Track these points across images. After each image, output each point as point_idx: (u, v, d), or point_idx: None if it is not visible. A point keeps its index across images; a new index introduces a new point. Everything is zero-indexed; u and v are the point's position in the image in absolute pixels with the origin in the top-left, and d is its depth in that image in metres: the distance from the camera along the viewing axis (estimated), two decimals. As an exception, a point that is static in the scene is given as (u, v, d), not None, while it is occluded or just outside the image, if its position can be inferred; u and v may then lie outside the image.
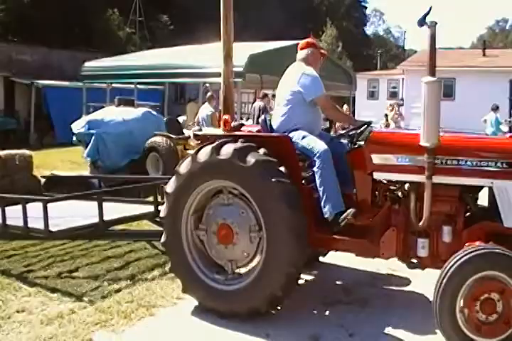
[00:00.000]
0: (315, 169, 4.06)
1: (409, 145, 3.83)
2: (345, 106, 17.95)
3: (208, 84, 13.40)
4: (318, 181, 4.03)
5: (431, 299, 4.52)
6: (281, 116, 4.42)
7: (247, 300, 3.94)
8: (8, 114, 19.71)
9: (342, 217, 3.90)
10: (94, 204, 5.04)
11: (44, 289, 4.62)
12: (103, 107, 12.38)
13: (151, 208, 5.55)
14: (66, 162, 12.90)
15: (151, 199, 6.10)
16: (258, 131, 4.53)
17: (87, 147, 10.09)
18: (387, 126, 19.69)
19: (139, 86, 15.31)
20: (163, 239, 4.28)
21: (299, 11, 49.12)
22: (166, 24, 38.01)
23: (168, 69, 12.22)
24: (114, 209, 5.31)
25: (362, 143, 4.09)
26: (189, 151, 9.98)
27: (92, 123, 10.22)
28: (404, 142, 3.96)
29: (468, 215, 3.93)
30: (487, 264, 3.31)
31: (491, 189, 3.77)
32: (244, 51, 10.46)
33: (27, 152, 7.17)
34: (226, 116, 4.38)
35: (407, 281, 4.96)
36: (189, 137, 10.12)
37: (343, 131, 4.53)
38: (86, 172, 10.44)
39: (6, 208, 5.06)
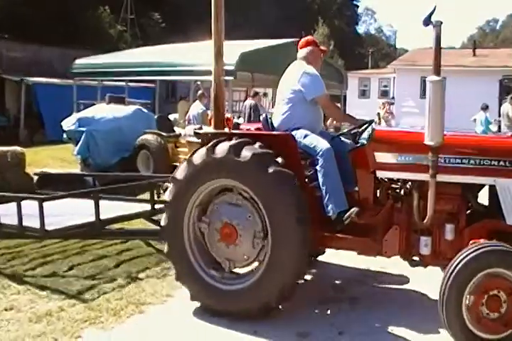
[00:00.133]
0: (318, 168, 4.06)
1: (413, 144, 3.86)
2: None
3: (199, 82, 13.40)
4: (321, 180, 4.03)
5: (421, 297, 4.60)
6: (282, 114, 4.42)
7: (242, 302, 3.94)
8: (-3, 111, 19.60)
9: (346, 216, 3.90)
10: (88, 202, 4.98)
11: (33, 287, 4.61)
12: (94, 105, 12.32)
13: (146, 206, 5.50)
14: (56, 159, 12.84)
15: (143, 196, 6.10)
16: (257, 130, 4.53)
17: (77, 144, 10.07)
18: (379, 124, 19.76)
19: (130, 84, 15.26)
20: (163, 222, 4.22)
21: (290, 10, 49.12)
22: (158, 22, 37.90)
23: (160, 67, 12.18)
24: (109, 208, 5.24)
25: (363, 141, 4.12)
26: (180, 149, 10.03)
27: (83, 121, 10.20)
28: (408, 140, 3.97)
29: (470, 213, 3.97)
30: (494, 261, 3.35)
31: (492, 187, 3.82)
32: (235, 49, 10.45)
33: (19, 149, 7.04)
34: (228, 115, 4.38)
35: (397, 279, 4.99)
36: (180, 135, 10.13)
37: (345, 130, 4.53)
38: (76, 170, 10.40)
39: None
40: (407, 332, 3.89)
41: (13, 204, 4.80)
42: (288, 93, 4.41)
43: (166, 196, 4.22)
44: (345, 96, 20.84)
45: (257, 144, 3.91)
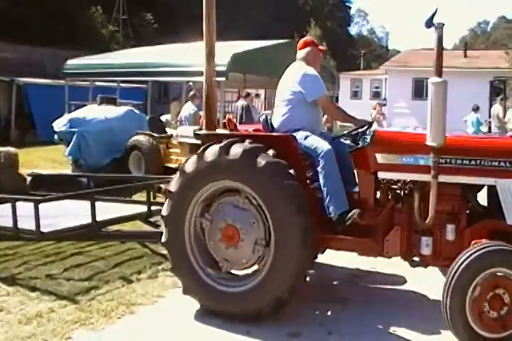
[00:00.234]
0: (319, 169, 4.06)
1: (414, 145, 3.89)
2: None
3: (191, 83, 13.39)
4: (322, 181, 4.03)
5: (413, 296, 4.63)
6: (281, 116, 4.41)
7: (238, 303, 3.94)
8: (-12, 111, 19.47)
9: (348, 217, 3.91)
10: (83, 203, 4.93)
11: (23, 288, 4.58)
12: (85, 105, 12.29)
13: (142, 208, 5.47)
14: (48, 160, 12.79)
15: (137, 197, 6.07)
16: (255, 131, 4.55)
17: (68, 145, 10.03)
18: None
19: (122, 84, 15.23)
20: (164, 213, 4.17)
21: (283, 11, 49.22)
22: (150, 22, 37.82)
23: (152, 68, 12.15)
24: (105, 209, 5.19)
25: (364, 143, 4.13)
26: (171, 150, 10.02)
27: (74, 122, 10.15)
28: (409, 142, 4.01)
29: (470, 213, 4.00)
30: (497, 261, 3.40)
31: (491, 187, 3.86)
32: (227, 50, 10.45)
33: (12, 150, 6.95)
34: (230, 116, 4.40)
35: (387, 279, 5.02)
36: (171, 136, 10.12)
37: (346, 131, 4.54)
38: (68, 170, 10.36)
39: None
40: (397, 331, 3.91)
41: (7, 206, 4.74)
42: (287, 94, 4.40)
43: (171, 187, 4.13)
44: (337, 98, 20.90)
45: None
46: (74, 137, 9.86)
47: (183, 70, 11.30)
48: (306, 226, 3.76)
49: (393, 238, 3.99)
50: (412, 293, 4.70)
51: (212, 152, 3.92)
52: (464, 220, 3.93)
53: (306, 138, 4.18)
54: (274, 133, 4.35)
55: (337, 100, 22.08)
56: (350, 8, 70.76)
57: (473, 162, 3.78)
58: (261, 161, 3.77)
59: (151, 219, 5.71)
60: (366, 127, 4.30)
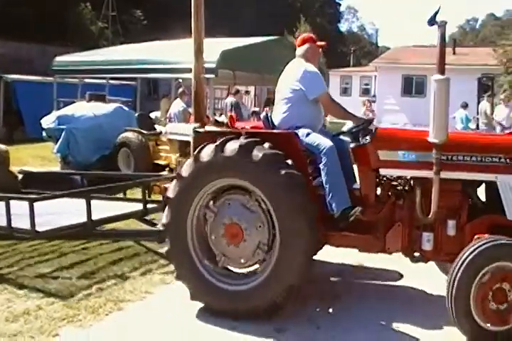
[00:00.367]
0: (321, 166, 4.07)
1: (416, 142, 3.93)
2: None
3: (180, 80, 13.36)
4: (324, 178, 4.04)
5: (400, 291, 4.67)
6: (282, 113, 4.41)
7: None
8: (-24, 108, 19.28)
9: (351, 214, 3.93)
10: (77, 201, 4.86)
11: (11, 286, 4.57)
12: (74, 102, 12.23)
13: (137, 206, 5.43)
14: (36, 158, 12.72)
15: (130, 195, 6.02)
16: (253, 128, 4.55)
17: (57, 142, 9.98)
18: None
19: (111, 81, 15.15)
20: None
21: (272, 7, 49.15)
22: (139, 19, 37.61)
23: (141, 65, 12.13)
24: (100, 207, 5.13)
25: (364, 140, 4.13)
26: (161, 147, 10.00)
27: (63, 119, 10.10)
28: (411, 138, 4.04)
29: (470, 209, 4.05)
30: (500, 255, 3.44)
31: (491, 183, 3.90)
32: (216, 47, 10.44)
33: (3, 147, 6.82)
34: (232, 113, 4.39)
35: (375, 274, 5.06)
36: (161, 133, 10.10)
37: (347, 128, 4.56)
38: (57, 168, 10.31)
39: None
40: (386, 326, 3.94)
41: (1, 204, 4.65)
42: (288, 92, 4.39)
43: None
44: (327, 94, 20.92)
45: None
46: (62, 134, 9.81)
47: (172, 67, 11.30)
48: (313, 229, 3.76)
49: (394, 234, 4.03)
50: (405, 288, 4.74)
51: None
52: (465, 216, 3.98)
53: (307, 135, 4.19)
54: (275, 131, 4.33)
55: (327, 97, 22.11)
56: (340, 4, 70.75)
57: (474, 158, 3.84)
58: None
59: (147, 217, 5.70)
60: (366, 124, 4.30)
